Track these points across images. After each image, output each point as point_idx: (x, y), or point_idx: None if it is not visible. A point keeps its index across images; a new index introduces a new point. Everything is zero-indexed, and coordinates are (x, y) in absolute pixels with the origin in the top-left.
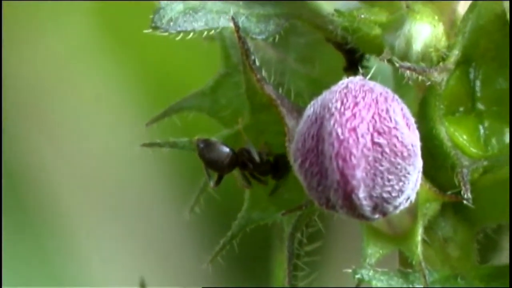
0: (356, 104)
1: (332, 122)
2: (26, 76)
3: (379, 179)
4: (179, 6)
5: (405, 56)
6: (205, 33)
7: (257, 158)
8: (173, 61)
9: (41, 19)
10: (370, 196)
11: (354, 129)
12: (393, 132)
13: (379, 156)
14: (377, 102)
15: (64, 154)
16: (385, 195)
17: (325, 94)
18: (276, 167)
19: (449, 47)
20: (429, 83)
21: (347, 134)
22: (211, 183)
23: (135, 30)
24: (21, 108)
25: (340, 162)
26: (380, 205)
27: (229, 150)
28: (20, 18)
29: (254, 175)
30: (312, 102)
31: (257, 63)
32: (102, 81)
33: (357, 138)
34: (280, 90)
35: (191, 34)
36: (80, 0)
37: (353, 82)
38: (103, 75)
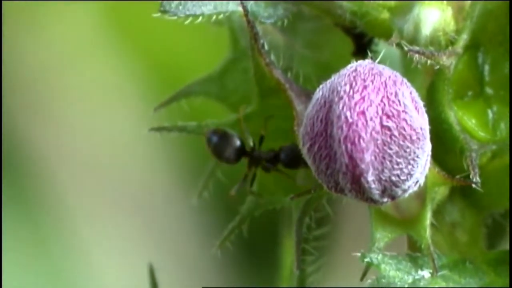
0: (365, 87)
1: (341, 105)
2: (28, 65)
3: (388, 163)
4: None
5: (413, 40)
6: (214, 17)
7: (256, 146)
8: (180, 47)
9: (45, 7)
10: (379, 180)
11: (363, 112)
12: (402, 115)
13: (388, 139)
14: (386, 86)
15: (67, 142)
16: (394, 178)
17: (334, 78)
18: (279, 157)
19: (458, 31)
20: (437, 67)
21: (356, 117)
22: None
23: (141, 15)
24: (23, 98)
25: (349, 146)
26: (389, 189)
27: (238, 143)
28: (23, 8)
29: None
30: (320, 86)
31: (266, 47)
32: (108, 67)
33: (366, 121)
34: (289, 75)
35: (200, 18)
36: None
37: (362, 65)
38: (108, 62)
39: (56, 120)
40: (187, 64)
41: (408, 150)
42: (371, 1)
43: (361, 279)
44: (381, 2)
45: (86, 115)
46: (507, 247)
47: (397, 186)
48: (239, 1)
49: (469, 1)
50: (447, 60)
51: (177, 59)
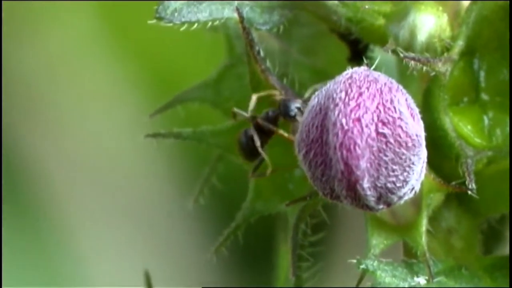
0: (360, 94)
1: (336, 112)
2: (25, 72)
3: (383, 169)
4: None
5: (409, 46)
6: (209, 23)
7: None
8: (176, 54)
9: (41, 13)
10: (375, 187)
11: (358, 119)
12: (398, 122)
13: (384, 146)
14: (381, 92)
15: (64, 148)
16: (389, 185)
17: (330, 84)
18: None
19: (453, 38)
20: (433, 73)
21: (351, 124)
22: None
23: (137, 22)
24: (19, 105)
25: (345, 152)
26: (384, 196)
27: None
28: (19, 15)
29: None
30: (316, 93)
31: (261, 53)
32: (104, 75)
33: (362, 128)
34: (284, 81)
35: (195, 25)
36: None
37: (357, 72)
38: (104, 69)
39: (53, 126)
40: (184, 69)
41: (403, 157)
42: (367, 7)
43: (357, 285)
44: (376, 8)
45: (83, 121)
46: (503, 252)
47: (392, 193)
48: (234, 8)
49: (465, 7)
50: (442, 67)
51: (174, 64)
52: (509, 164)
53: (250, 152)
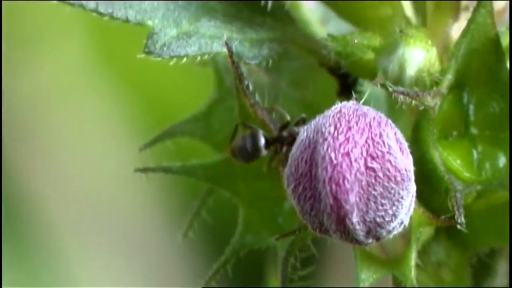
0: (349, 128)
1: (325, 146)
2: (19, 101)
3: (372, 204)
4: (173, 31)
5: (398, 80)
6: (199, 58)
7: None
8: (167, 86)
9: (35, 43)
10: (364, 221)
11: (347, 154)
12: (387, 156)
13: (373, 180)
14: (370, 127)
15: (58, 179)
16: (378, 219)
17: (319, 119)
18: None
19: (443, 71)
20: (422, 107)
21: (340, 159)
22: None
23: (129, 55)
24: (14, 133)
25: (334, 187)
26: (373, 230)
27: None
28: (13, 44)
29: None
30: (305, 127)
31: (250, 87)
32: (97, 106)
33: (351, 163)
34: (274, 115)
35: (185, 59)
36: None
37: (346, 106)
38: (97, 100)
39: (45, 155)
40: (177, 100)
41: (392, 191)
42: (356, 41)
43: None
44: (365, 42)
45: (76, 151)
46: (492, 286)
47: (381, 227)
48: (223, 42)
49: (454, 41)
50: (431, 101)
51: (167, 95)
52: (510, 197)
53: (252, 155)
